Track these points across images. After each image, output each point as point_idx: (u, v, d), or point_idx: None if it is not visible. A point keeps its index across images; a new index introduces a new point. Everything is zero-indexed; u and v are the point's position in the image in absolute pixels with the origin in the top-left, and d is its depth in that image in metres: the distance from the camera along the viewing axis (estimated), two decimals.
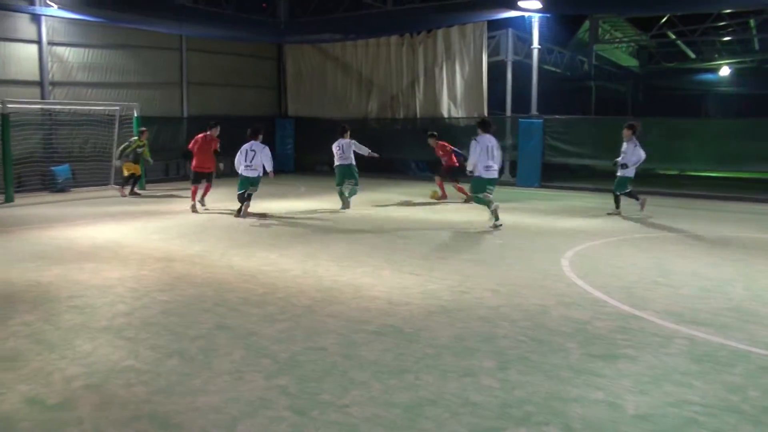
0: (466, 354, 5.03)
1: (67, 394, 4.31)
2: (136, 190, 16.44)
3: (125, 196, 15.90)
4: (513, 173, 19.27)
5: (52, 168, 17.13)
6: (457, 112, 20.42)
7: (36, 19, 17.30)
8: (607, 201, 15.14)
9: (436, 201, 15.12)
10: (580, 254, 8.94)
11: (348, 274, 7.67)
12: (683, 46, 30.35)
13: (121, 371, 4.69)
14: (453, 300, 6.56)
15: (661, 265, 8.27)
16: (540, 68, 19.29)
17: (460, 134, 19.87)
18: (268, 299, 6.57)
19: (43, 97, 17.56)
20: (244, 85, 23.48)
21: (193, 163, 13.50)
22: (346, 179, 13.64)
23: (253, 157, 12.33)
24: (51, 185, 17.01)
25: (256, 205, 12.92)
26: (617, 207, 12.92)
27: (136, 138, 16.22)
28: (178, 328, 5.65)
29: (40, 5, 16.94)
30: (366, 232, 10.82)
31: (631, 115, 25.19)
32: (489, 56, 19.70)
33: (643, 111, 27.68)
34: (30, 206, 14.25)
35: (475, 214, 12.72)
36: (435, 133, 15.54)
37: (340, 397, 4.24)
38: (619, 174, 12.68)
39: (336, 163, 13.67)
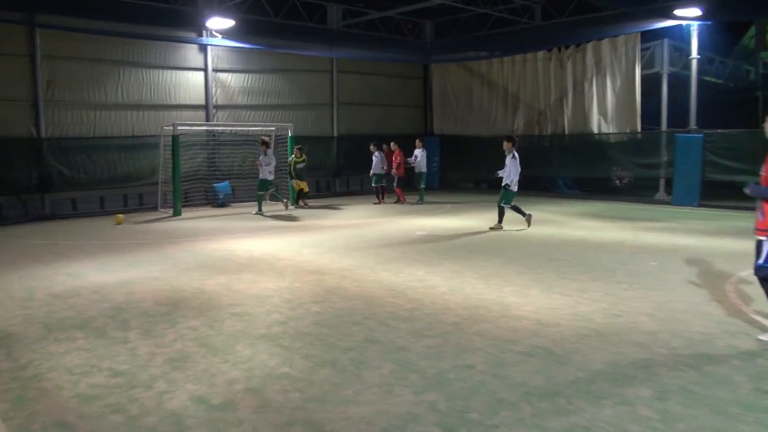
0: (621, 381, 4.78)
1: (229, 396, 4.58)
2: (302, 202, 18.36)
3: (305, 206, 18.24)
4: (668, 191, 18.20)
5: (214, 184, 18.45)
6: (608, 128, 19.65)
7: (203, 49, 18.81)
8: None
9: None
10: (747, 279, 8.22)
11: (495, 293, 7.58)
12: None
13: (278, 377, 4.92)
14: (606, 323, 6.28)
15: None
16: (699, 79, 18.11)
17: (611, 150, 19.16)
18: (415, 315, 6.64)
19: (207, 120, 19.00)
20: (391, 104, 24.04)
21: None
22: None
23: (376, 163, 18.60)
24: (213, 200, 18.32)
25: (407, 222, 13.41)
26: (500, 221, 12.92)
27: (293, 156, 17.99)
28: (330, 339, 5.85)
29: (207, 36, 18.40)
30: (513, 250, 10.65)
31: None
32: (642, 69, 18.80)
33: None
34: (195, 219, 15.42)
35: (627, 234, 12.17)
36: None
37: (489, 417, 4.18)
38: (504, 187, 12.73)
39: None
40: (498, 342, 5.70)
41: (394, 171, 18.73)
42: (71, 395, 4.65)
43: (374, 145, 18.76)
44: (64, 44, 16.23)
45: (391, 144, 19.08)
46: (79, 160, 16.66)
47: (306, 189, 18.50)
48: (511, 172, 12.54)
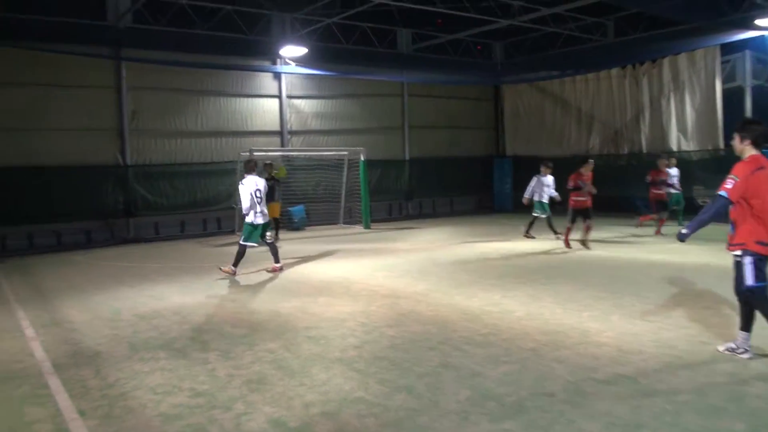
0: (710, 413, 4.54)
1: (306, 419, 4.60)
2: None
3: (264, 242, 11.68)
4: None
5: (289, 208, 18.80)
6: (689, 145, 19.00)
7: (277, 76, 19.36)
8: None
9: None
10: None
11: (574, 318, 7.37)
12: None
13: (353, 402, 4.91)
14: (692, 351, 5.99)
15: None
16: None
17: (693, 168, 18.47)
18: (491, 340, 6.52)
19: (282, 145, 19.47)
20: (463, 126, 24.01)
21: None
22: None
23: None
24: (288, 224, 18.65)
25: (481, 246, 13.15)
26: (276, 259, 11.19)
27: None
28: (405, 364, 5.80)
29: (281, 64, 18.92)
30: (591, 274, 10.36)
31: None
32: (723, 82, 18.14)
33: None
34: None
35: (712, 257, 11.65)
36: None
37: None
38: (248, 221, 10.64)
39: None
40: (578, 369, 5.53)
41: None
42: (154, 414, 4.78)
43: (547, 166, 14.78)
44: (147, 76, 17.01)
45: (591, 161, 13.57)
46: (162, 186, 17.38)
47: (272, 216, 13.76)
48: (250, 200, 10.43)
